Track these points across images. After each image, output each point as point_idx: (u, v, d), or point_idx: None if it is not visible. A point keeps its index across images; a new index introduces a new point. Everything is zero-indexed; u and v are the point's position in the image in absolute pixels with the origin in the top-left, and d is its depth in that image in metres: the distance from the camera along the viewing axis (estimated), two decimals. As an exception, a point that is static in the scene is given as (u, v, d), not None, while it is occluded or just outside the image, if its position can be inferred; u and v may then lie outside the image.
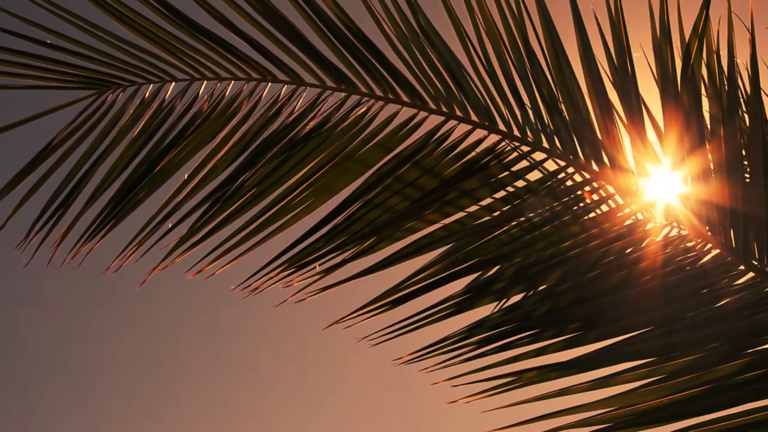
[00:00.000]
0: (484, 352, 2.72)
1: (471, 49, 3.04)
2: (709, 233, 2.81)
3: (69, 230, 3.01)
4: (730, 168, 2.75)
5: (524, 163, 3.04)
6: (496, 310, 2.83)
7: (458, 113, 3.09)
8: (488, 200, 2.99)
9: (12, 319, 10.76)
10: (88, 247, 3.01)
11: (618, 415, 2.50)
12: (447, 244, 2.92)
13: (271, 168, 3.05)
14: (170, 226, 3.00)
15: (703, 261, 2.81)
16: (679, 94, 2.83)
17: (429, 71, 3.07)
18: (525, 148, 3.03)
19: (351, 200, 3.01)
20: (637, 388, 2.54)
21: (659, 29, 2.96)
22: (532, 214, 2.91)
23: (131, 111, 3.13)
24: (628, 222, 2.91)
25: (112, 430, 10.84)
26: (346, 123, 3.08)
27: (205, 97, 3.16)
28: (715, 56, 2.89)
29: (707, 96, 2.87)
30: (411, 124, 3.08)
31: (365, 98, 3.12)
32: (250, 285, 2.93)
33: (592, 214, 2.95)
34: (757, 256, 2.74)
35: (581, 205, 2.95)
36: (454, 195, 2.97)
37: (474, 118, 3.07)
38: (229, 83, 3.17)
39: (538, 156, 3.03)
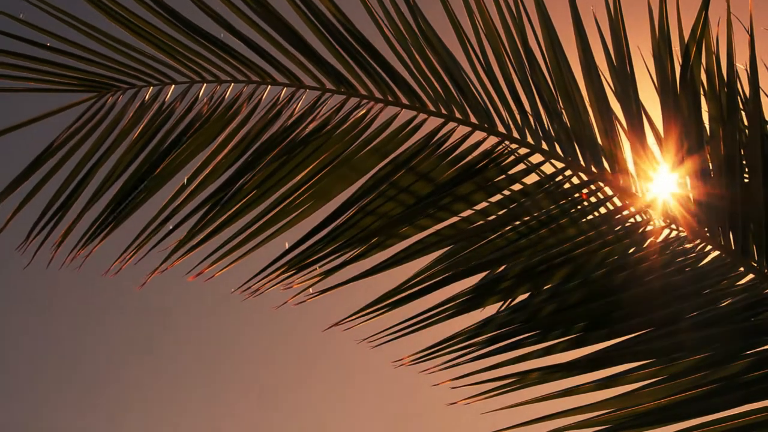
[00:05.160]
0: (485, 353, 2.72)
1: (470, 50, 3.05)
2: (709, 235, 2.81)
3: (69, 232, 3.02)
4: (729, 169, 2.76)
5: (523, 165, 3.04)
6: (497, 311, 2.83)
7: (457, 115, 3.09)
8: (490, 201, 2.99)
9: (11, 321, 10.76)
10: (88, 249, 3.01)
11: (620, 416, 2.50)
12: (448, 246, 2.92)
13: (271, 170, 3.05)
14: (170, 228, 3.00)
15: (703, 263, 2.81)
16: (678, 95, 2.83)
17: (428, 73, 3.07)
18: (524, 150, 3.03)
19: (351, 202, 3.01)
20: (639, 389, 2.54)
21: (658, 30, 2.96)
22: (532, 216, 2.91)
23: (131, 113, 3.14)
24: (627, 223, 2.91)
25: (112, 431, 10.84)
26: (345, 125, 3.08)
27: (205, 99, 3.16)
28: (714, 57, 2.89)
29: (706, 97, 2.88)
30: (410, 126, 3.08)
31: (364, 100, 3.12)
32: (250, 287, 2.93)
33: (590, 216, 2.95)
34: (756, 258, 2.74)
35: (579, 207, 2.95)
36: (456, 195, 2.97)
37: (473, 120, 3.08)
38: (229, 86, 3.18)
39: (538, 158, 3.03)
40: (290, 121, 3.11)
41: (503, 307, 2.85)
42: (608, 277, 2.77)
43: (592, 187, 2.97)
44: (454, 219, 3.00)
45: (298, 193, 3.04)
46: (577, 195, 2.96)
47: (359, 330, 2.87)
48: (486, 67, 3.05)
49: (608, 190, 3.01)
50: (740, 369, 2.51)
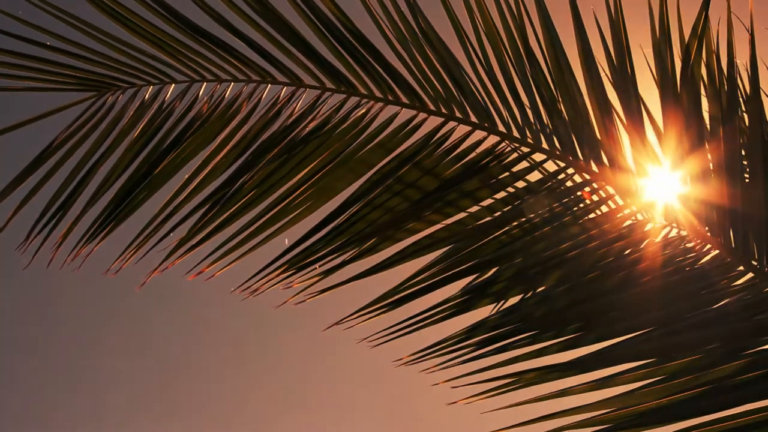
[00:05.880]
0: (484, 353, 2.72)
1: (470, 50, 3.04)
2: (709, 234, 2.81)
3: (69, 232, 3.01)
4: (729, 168, 2.75)
5: (524, 164, 3.04)
6: (495, 311, 2.83)
7: (458, 114, 3.09)
8: (488, 201, 2.99)
9: (12, 321, 10.76)
10: (88, 248, 3.01)
11: (618, 416, 2.50)
12: (447, 246, 2.92)
13: (271, 169, 3.05)
14: (170, 227, 3.00)
15: (702, 262, 2.81)
16: (678, 95, 2.83)
17: (428, 72, 3.07)
18: (524, 149, 3.03)
19: (351, 201, 3.01)
20: (637, 389, 2.54)
21: (659, 30, 2.96)
22: (531, 215, 2.91)
23: (131, 113, 3.13)
24: (627, 223, 2.91)
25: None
26: (345, 124, 3.09)
27: (205, 98, 3.16)
28: (714, 56, 2.89)
29: (707, 96, 2.87)
30: (411, 125, 3.08)
31: (365, 99, 3.12)
32: (250, 287, 2.94)
33: (591, 215, 2.95)
34: (756, 257, 2.74)
35: (580, 206, 2.94)
36: (454, 196, 2.97)
37: (473, 119, 3.07)
38: (229, 85, 3.17)
39: (538, 157, 3.03)
40: (290, 120, 3.11)
41: (500, 308, 2.85)
42: (609, 276, 2.77)
43: (594, 185, 2.96)
44: (457, 218, 3.00)
45: (298, 192, 3.04)
46: (579, 193, 2.95)
47: (359, 329, 2.88)
48: (486, 66, 3.04)
49: (608, 189, 3.01)
50: (740, 369, 2.50)
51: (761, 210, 2.71)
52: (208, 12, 3.05)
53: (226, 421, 10.65)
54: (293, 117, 3.11)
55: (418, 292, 2.86)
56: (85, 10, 3.04)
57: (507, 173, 3.01)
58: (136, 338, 10.93)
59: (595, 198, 2.98)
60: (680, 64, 2.84)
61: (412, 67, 3.07)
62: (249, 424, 10.65)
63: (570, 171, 3.00)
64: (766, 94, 3.03)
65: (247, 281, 2.93)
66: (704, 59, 2.87)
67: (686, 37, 2.90)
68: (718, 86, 2.84)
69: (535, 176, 3.05)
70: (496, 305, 2.87)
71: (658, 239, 2.87)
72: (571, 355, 2.66)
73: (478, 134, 3.06)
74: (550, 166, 3.06)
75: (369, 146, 3.07)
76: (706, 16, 2.80)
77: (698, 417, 2.48)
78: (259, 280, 2.94)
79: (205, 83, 3.18)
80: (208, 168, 3.06)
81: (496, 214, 2.98)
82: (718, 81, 2.86)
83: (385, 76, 3.09)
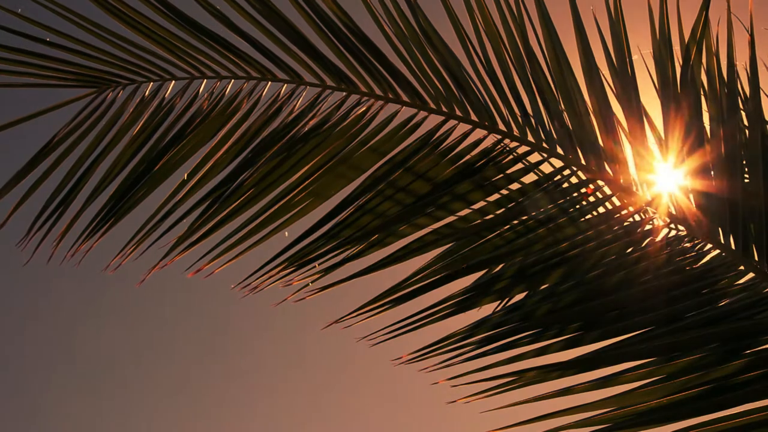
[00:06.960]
0: (483, 352, 2.72)
1: (471, 49, 3.05)
2: (709, 234, 2.81)
3: (69, 228, 3.01)
4: (729, 168, 2.76)
5: (523, 164, 3.04)
6: (496, 310, 2.82)
7: (458, 113, 3.09)
8: (489, 199, 2.99)
9: (11, 317, 10.75)
10: (88, 245, 3.00)
11: (618, 415, 2.50)
12: (447, 244, 2.92)
13: (271, 167, 3.05)
14: (170, 224, 3.00)
15: (702, 261, 2.81)
16: (678, 95, 2.83)
17: (429, 71, 3.07)
18: (525, 148, 3.03)
19: (351, 199, 3.01)
20: (637, 388, 2.54)
21: (659, 30, 2.96)
22: (531, 214, 2.91)
23: (131, 109, 3.13)
24: (628, 222, 2.91)
25: (110, 429, 10.83)
26: (345, 122, 3.08)
27: (205, 95, 3.16)
28: (714, 57, 2.90)
29: (707, 96, 2.88)
30: (411, 123, 3.08)
31: (365, 98, 3.12)
32: (249, 284, 2.93)
33: (592, 214, 2.95)
34: (756, 257, 2.74)
35: (580, 205, 2.95)
36: (456, 194, 2.97)
37: (474, 117, 3.08)
38: (229, 82, 3.17)
39: (538, 156, 3.03)
40: (290, 118, 3.10)
41: (500, 306, 2.85)
42: (610, 275, 2.77)
43: (592, 185, 2.97)
44: (454, 217, 3.00)
45: (298, 190, 3.04)
46: (577, 194, 2.96)
47: (359, 328, 2.87)
48: (486, 66, 3.04)
49: (608, 189, 3.01)
50: (740, 368, 2.51)
51: (761, 209, 2.71)
52: (208, 9, 3.05)
53: (224, 418, 10.65)
54: (293, 114, 3.11)
55: (418, 291, 2.85)
56: (86, 7, 3.04)
57: (507, 172, 3.01)
58: (134, 335, 10.91)
59: (595, 197, 2.98)
60: (680, 64, 2.84)
61: (413, 65, 3.07)
62: (248, 422, 10.65)
63: (570, 170, 3.00)
64: (765, 94, 3.04)
65: (246, 278, 2.93)
66: (704, 59, 2.88)
67: (686, 37, 2.91)
68: (718, 86, 2.85)
69: (534, 176, 3.04)
70: (498, 304, 2.87)
71: (659, 238, 2.88)
72: (572, 354, 2.66)
73: (479, 133, 3.07)
74: (550, 166, 3.06)
75: (369, 144, 3.07)
76: (706, 17, 2.81)
77: (698, 416, 2.49)
78: (259, 277, 2.93)
79: (205, 80, 3.18)
80: (208, 165, 3.06)
81: (496, 213, 2.98)
82: (717, 81, 2.86)
83: (386, 74, 3.09)
